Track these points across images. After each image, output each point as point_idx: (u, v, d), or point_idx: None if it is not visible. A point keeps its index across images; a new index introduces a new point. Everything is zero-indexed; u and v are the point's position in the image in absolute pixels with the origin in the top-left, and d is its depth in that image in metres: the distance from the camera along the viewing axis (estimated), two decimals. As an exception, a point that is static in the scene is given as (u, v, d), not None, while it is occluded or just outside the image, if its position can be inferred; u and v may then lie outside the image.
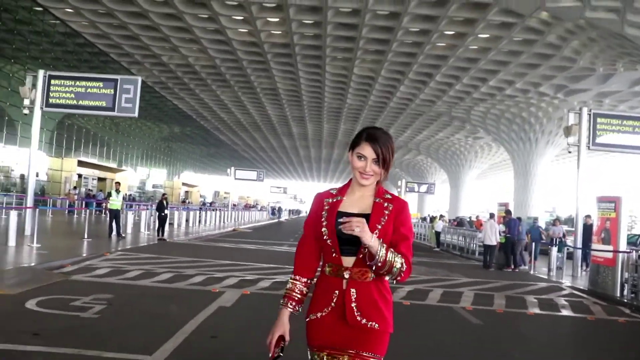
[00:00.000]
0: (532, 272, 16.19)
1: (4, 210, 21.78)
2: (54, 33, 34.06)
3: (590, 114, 15.31)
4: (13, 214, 12.34)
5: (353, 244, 2.34)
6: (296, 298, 2.49)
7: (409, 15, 24.33)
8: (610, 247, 11.74)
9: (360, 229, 2.22)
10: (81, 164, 38.40)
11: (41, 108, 14.88)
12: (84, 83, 14.87)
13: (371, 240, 2.25)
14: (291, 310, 2.47)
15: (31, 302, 7.12)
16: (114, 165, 48.78)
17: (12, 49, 34.48)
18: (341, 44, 29.44)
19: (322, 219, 2.44)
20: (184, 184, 62.17)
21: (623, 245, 11.70)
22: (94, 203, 31.39)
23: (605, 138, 15.39)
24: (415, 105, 41.09)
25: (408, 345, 6.18)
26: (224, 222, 34.61)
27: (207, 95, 44.63)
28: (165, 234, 19.33)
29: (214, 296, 8.47)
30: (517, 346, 7.01)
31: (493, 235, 16.60)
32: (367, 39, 27.98)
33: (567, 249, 16.93)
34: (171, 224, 23.50)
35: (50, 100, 14.83)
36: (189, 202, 50.42)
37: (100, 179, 43.07)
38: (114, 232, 16.80)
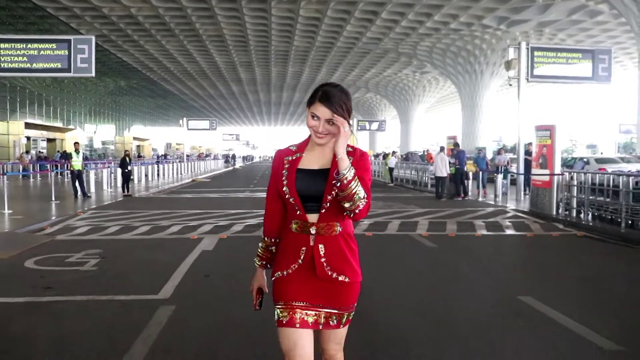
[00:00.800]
0: (480, 199, 17.61)
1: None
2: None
3: (528, 48, 16.39)
4: None
5: (316, 200, 2.38)
6: (264, 256, 2.60)
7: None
8: (547, 171, 13.10)
9: (345, 126, 2.31)
10: (28, 125, 37.67)
11: (-6, 74, 14.97)
12: (36, 45, 14.91)
13: (344, 154, 2.30)
14: (267, 267, 2.62)
15: (29, 262, 7.80)
16: (61, 124, 47.83)
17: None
18: (286, -15, 29.56)
19: (283, 178, 2.44)
20: (135, 138, 61.50)
21: (558, 169, 13.05)
22: (53, 165, 31.17)
23: (542, 70, 16.56)
24: (362, 44, 41.55)
25: (373, 270, 7.23)
26: (181, 173, 35.02)
27: (152, 46, 43.86)
28: (130, 189, 19.85)
29: (194, 242, 9.32)
30: (467, 262, 8.18)
31: (444, 167, 17.88)
32: (311, -20, 28.19)
33: (511, 175, 18.40)
34: (132, 180, 23.92)
35: (2, 65, 14.85)
36: (143, 157, 50.19)
37: (50, 140, 42.37)
38: (79, 192, 17.24)
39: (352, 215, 2.35)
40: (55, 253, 8.40)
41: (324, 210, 2.37)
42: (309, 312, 2.41)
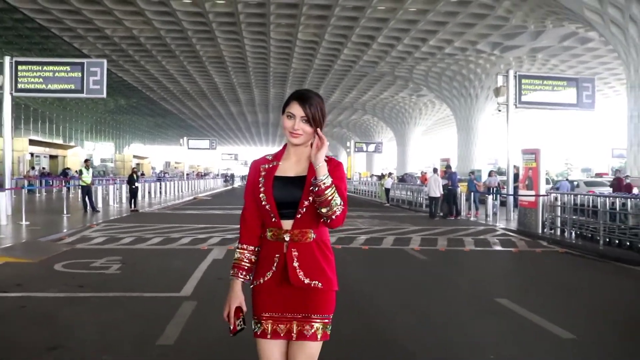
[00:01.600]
0: (472, 218, 18.57)
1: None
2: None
3: (516, 76, 17.49)
4: None
5: (292, 207, 2.41)
6: (245, 267, 2.54)
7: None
8: (533, 192, 14.08)
9: (323, 145, 2.37)
10: (32, 142, 38.69)
11: (11, 93, 15.95)
12: (51, 67, 15.98)
13: (322, 164, 2.36)
14: (242, 279, 2.53)
15: (57, 265, 8.68)
16: (62, 141, 48.81)
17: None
18: (285, 10, 30.66)
19: (260, 185, 2.47)
20: (134, 156, 62.43)
21: (542, 190, 14.04)
22: (60, 180, 32.08)
23: (529, 97, 17.62)
24: (359, 67, 42.83)
25: (369, 279, 8.14)
26: (181, 191, 35.93)
27: (152, 66, 45.06)
28: (136, 205, 20.78)
29: (205, 253, 10.22)
30: (454, 272, 9.11)
31: (437, 188, 18.87)
32: (310, 5, 29.33)
33: (501, 196, 19.39)
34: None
35: (19, 86, 15.87)
36: (143, 175, 51.21)
37: (52, 157, 43.31)
38: (89, 207, 18.13)
39: (329, 221, 2.38)
40: (79, 259, 9.28)
41: (299, 215, 2.40)
42: (280, 325, 2.43)
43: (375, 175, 44.94)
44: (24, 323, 5.61)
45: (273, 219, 2.43)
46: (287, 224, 2.43)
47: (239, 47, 38.40)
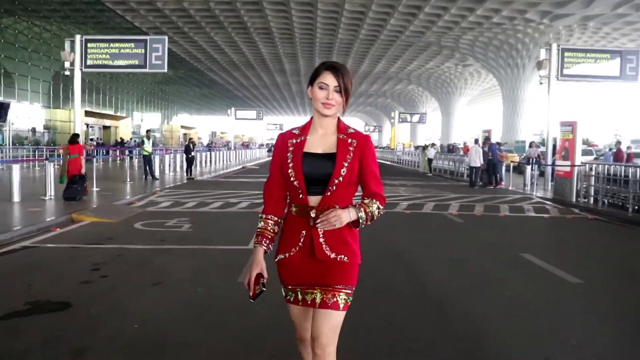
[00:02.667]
0: (510, 187, 19.47)
1: (43, 162, 24.61)
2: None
3: (559, 49, 18.11)
4: (49, 166, 13.28)
5: (320, 183, 2.45)
6: (269, 236, 2.59)
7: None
8: (569, 163, 14.94)
9: (339, 221, 2.36)
10: (87, 114, 40.99)
11: (81, 69, 17.58)
12: (117, 44, 17.53)
13: (350, 217, 2.39)
14: (265, 248, 2.59)
15: (137, 224, 10.18)
16: (112, 112, 51.17)
17: (11, 3, 36.14)
18: (332, -19, 31.59)
19: (288, 161, 2.49)
20: (182, 126, 64.66)
21: (578, 161, 14.89)
22: (124, 150, 34.36)
23: (572, 69, 18.26)
24: (405, 37, 43.32)
25: (410, 238, 9.34)
26: (229, 160, 37.62)
27: (200, 38, 46.58)
28: (192, 173, 22.49)
29: (262, 215, 11.59)
30: (487, 234, 10.21)
31: (477, 158, 19.81)
32: (357, -24, 30.11)
33: (540, 167, 20.21)
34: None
35: (88, 62, 17.46)
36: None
37: (105, 127, 45.63)
38: (149, 175, 19.79)
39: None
40: (153, 219, 10.76)
41: (328, 193, 2.44)
42: (307, 291, 2.52)
43: (420, 146, 45.62)
44: (126, 267, 7.03)
45: (300, 195, 2.48)
46: (313, 200, 2.46)
47: (286, 17, 39.45)
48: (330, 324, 2.47)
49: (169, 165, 23.94)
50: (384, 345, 4.35)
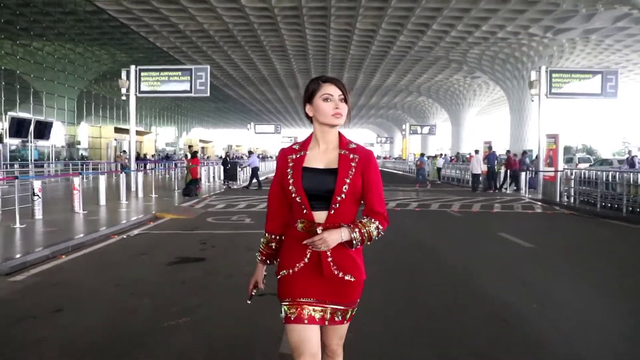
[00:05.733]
0: (508, 191, 23.10)
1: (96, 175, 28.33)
2: (80, 11, 39.39)
3: (547, 71, 21.60)
4: (102, 178, 17.81)
5: (323, 199, 2.54)
6: (265, 252, 2.80)
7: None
8: (552, 169, 18.46)
9: (325, 244, 2.46)
10: (117, 130, 44.83)
11: (135, 95, 21.26)
12: (166, 73, 21.30)
13: (342, 238, 2.49)
14: (267, 264, 2.83)
15: (209, 219, 13.74)
16: (138, 128, 55.04)
17: (41, 27, 39.75)
18: (344, 3, 34.97)
19: (289, 177, 2.58)
20: (200, 140, 68.41)
21: (560, 167, 18.41)
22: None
23: (559, 89, 21.74)
24: (414, 52, 46.86)
25: (419, 226, 12.87)
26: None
27: (218, 56, 50.41)
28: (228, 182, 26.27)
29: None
30: (478, 222, 13.74)
31: (478, 166, 23.42)
32: (368, -2, 33.55)
33: (531, 173, 23.79)
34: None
35: (142, 88, 21.16)
36: (207, 157, 56.97)
37: (131, 142, 49.61)
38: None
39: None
40: (219, 216, 14.34)
41: (332, 211, 2.52)
42: (316, 309, 2.59)
43: (430, 156, 49.23)
44: (222, 242, 10.53)
45: (304, 211, 2.55)
46: (318, 217, 2.54)
47: (300, 36, 43.09)
48: (339, 335, 2.73)
49: (205, 176, 27.58)
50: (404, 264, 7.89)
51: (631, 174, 15.23)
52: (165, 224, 13.02)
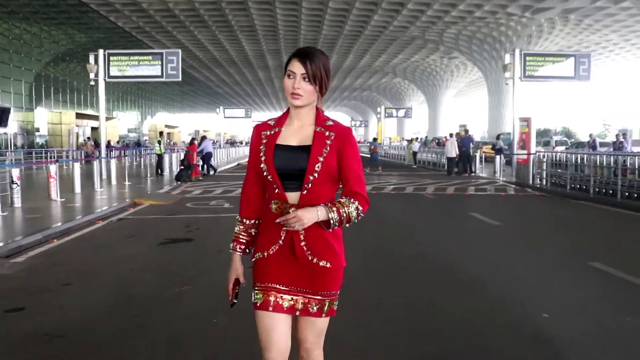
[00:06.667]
0: (483, 174, 24.61)
1: (67, 162, 29.03)
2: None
3: (521, 54, 23.03)
4: (77, 166, 17.56)
5: (296, 179, 2.50)
6: (244, 241, 2.71)
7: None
8: (525, 152, 19.94)
9: (300, 222, 2.41)
10: (78, 116, 45.28)
11: (104, 80, 22.12)
12: (136, 57, 22.21)
13: (318, 217, 2.44)
14: (240, 252, 2.71)
15: (188, 204, 14.86)
16: (92, 112, 55.30)
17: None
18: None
19: (261, 154, 2.56)
20: (166, 125, 68.78)
21: (533, 150, 19.92)
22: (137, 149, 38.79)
23: (534, 71, 23.20)
24: (389, 32, 48.13)
25: (393, 207, 14.20)
26: (220, 158, 42.13)
27: (183, 36, 51.05)
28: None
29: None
30: (451, 204, 15.17)
31: (453, 149, 24.88)
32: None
33: (505, 156, 25.36)
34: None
35: (111, 73, 22.02)
36: (174, 144, 57.53)
37: (93, 128, 49.86)
38: (160, 172, 24.48)
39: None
40: (197, 202, 15.46)
41: (305, 191, 2.49)
42: (284, 297, 2.56)
43: (406, 140, 50.70)
44: (206, 224, 11.68)
45: (276, 190, 2.52)
46: (292, 197, 2.51)
47: (270, 16, 44.01)
48: (315, 330, 2.64)
49: (171, 163, 28.49)
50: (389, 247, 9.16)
51: (597, 156, 16.76)
52: (146, 210, 14.10)
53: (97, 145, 45.40)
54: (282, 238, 2.55)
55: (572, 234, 10.76)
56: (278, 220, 2.48)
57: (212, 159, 27.27)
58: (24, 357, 4.65)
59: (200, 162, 24.92)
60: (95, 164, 19.08)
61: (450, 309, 5.83)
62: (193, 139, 23.60)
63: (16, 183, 13.67)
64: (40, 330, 5.19)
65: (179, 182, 20.71)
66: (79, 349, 4.76)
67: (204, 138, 26.81)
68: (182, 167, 21.66)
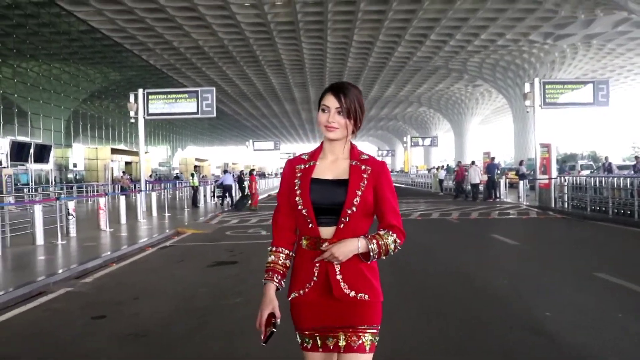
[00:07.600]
0: (507, 199, 25.63)
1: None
2: (73, 31, 41.32)
3: (541, 83, 24.06)
4: (122, 199, 19.16)
5: (331, 213, 2.52)
6: (280, 271, 2.68)
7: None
8: (547, 176, 20.92)
9: (341, 255, 2.45)
10: (113, 151, 47.20)
11: (144, 117, 23.67)
12: (173, 95, 23.75)
13: (358, 249, 2.46)
14: (277, 284, 2.66)
15: (227, 232, 16.10)
16: (125, 147, 57.27)
17: (31, 47, 41.65)
18: (341, 17, 37.39)
19: (296, 187, 2.58)
20: (196, 159, 70.49)
21: (554, 174, 20.89)
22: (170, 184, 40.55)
23: (555, 99, 24.16)
24: (413, 62, 49.39)
25: (421, 233, 15.31)
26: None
27: (213, 72, 52.97)
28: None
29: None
30: (474, 227, 16.21)
31: (477, 176, 25.90)
32: (364, 11, 35.87)
33: (528, 181, 26.28)
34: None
35: (150, 110, 23.56)
36: (204, 177, 59.28)
37: (127, 163, 51.80)
38: (198, 204, 25.87)
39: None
40: (236, 230, 16.70)
41: (342, 225, 2.50)
42: (328, 335, 2.57)
43: (434, 168, 51.69)
44: (248, 249, 12.83)
45: (310, 225, 2.54)
46: (325, 232, 2.52)
47: (296, 50, 45.60)
48: None
49: (204, 194, 29.92)
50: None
51: (614, 178, 17.71)
52: (189, 238, 15.38)
53: (131, 179, 47.42)
54: (316, 275, 2.56)
55: (582, 250, 11.79)
56: (316, 260, 2.53)
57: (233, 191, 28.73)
58: (120, 350, 5.87)
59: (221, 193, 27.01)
60: (139, 196, 20.45)
61: (469, 313, 6.92)
62: (252, 170, 25.79)
63: (72, 215, 15.06)
64: (125, 332, 6.41)
65: (236, 210, 23.00)
66: (161, 343, 6.01)
67: (225, 172, 28.64)
68: (241, 196, 23.67)
